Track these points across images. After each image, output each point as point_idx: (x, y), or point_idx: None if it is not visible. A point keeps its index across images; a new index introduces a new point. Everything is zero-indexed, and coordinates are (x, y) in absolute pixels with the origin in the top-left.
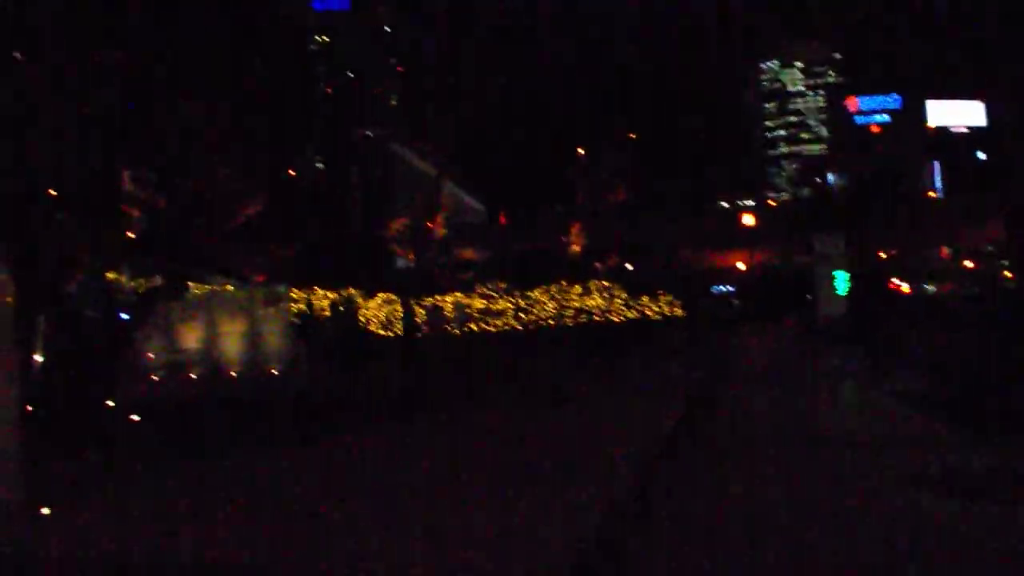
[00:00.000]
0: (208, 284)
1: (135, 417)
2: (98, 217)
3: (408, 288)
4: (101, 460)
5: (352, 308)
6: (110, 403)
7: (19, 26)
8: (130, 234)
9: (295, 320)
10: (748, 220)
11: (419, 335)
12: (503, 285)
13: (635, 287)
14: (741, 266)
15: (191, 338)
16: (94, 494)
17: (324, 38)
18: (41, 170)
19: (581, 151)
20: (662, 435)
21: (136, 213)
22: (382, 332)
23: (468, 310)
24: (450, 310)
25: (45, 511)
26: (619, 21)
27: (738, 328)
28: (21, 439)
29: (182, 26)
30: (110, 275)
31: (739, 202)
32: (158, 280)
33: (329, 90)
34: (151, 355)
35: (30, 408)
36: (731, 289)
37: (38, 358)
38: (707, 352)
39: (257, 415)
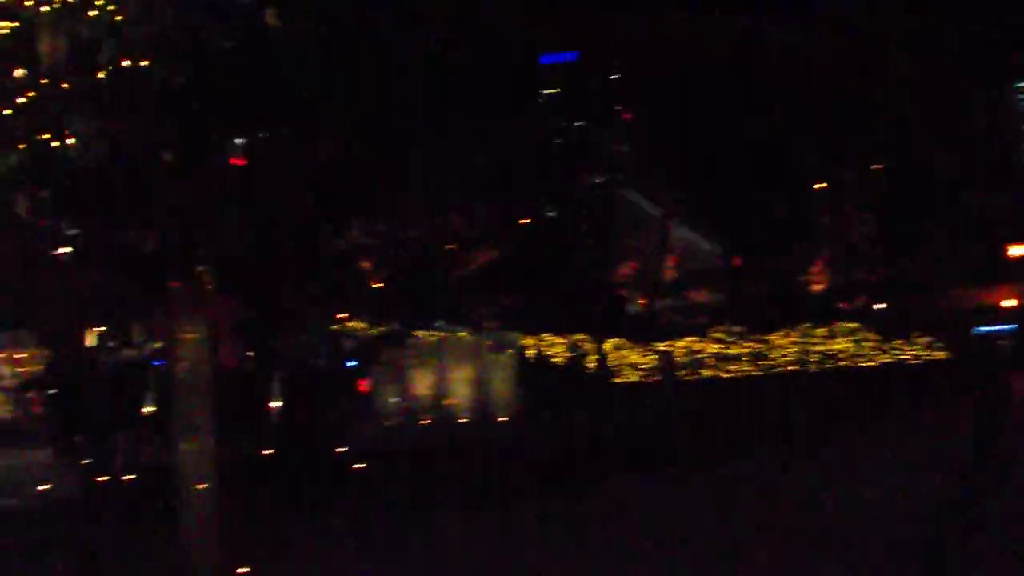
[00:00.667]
0: (440, 331)
1: (359, 465)
2: (324, 270)
3: (639, 333)
4: (327, 509)
5: (581, 353)
6: (339, 450)
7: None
8: (375, 284)
9: (524, 366)
10: (1017, 251)
11: (657, 381)
12: (738, 329)
13: (887, 329)
14: (1011, 303)
15: (422, 385)
16: (303, 548)
17: (554, 90)
18: (270, 228)
19: (823, 185)
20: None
21: (367, 264)
22: (613, 379)
23: (701, 355)
24: (682, 355)
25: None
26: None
27: (1010, 374)
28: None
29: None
30: (354, 324)
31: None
32: (384, 328)
33: (559, 139)
34: (386, 401)
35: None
36: (1001, 328)
37: (274, 405)
38: (978, 402)
39: (487, 464)
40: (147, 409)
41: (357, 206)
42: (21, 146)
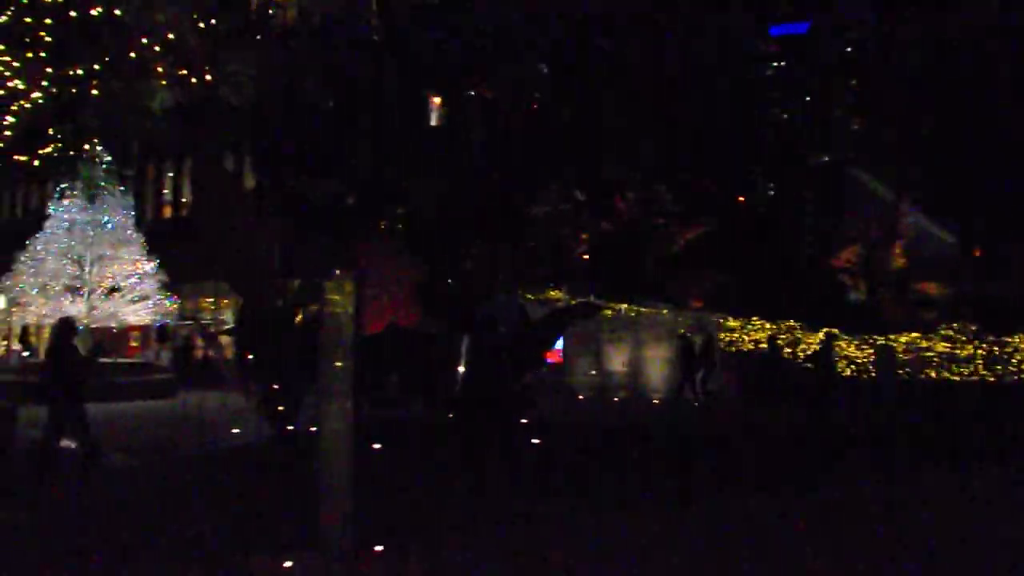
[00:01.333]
0: (642, 307)
1: (535, 440)
2: (514, 238)
3: (857, 324)
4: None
5: (778, 343)
6: (523, 421)
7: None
8: (584, 255)
9: (725, 349)
10: None
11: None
12: (973, 328)
13: None
14: None
15: (617, 360)
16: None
17: (779, 63)
18: (464, 188)
19: None
20: None
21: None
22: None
23: (927, 354)
24: (903, 352)
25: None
26: None
27: None
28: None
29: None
30: (555, 294)
31: None
32: (578, 299)
33: (784, 115)
34: (576, 375)
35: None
36: None
37: (460, 370)
38: None
39: (677, 450)
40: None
41: (553, 170)
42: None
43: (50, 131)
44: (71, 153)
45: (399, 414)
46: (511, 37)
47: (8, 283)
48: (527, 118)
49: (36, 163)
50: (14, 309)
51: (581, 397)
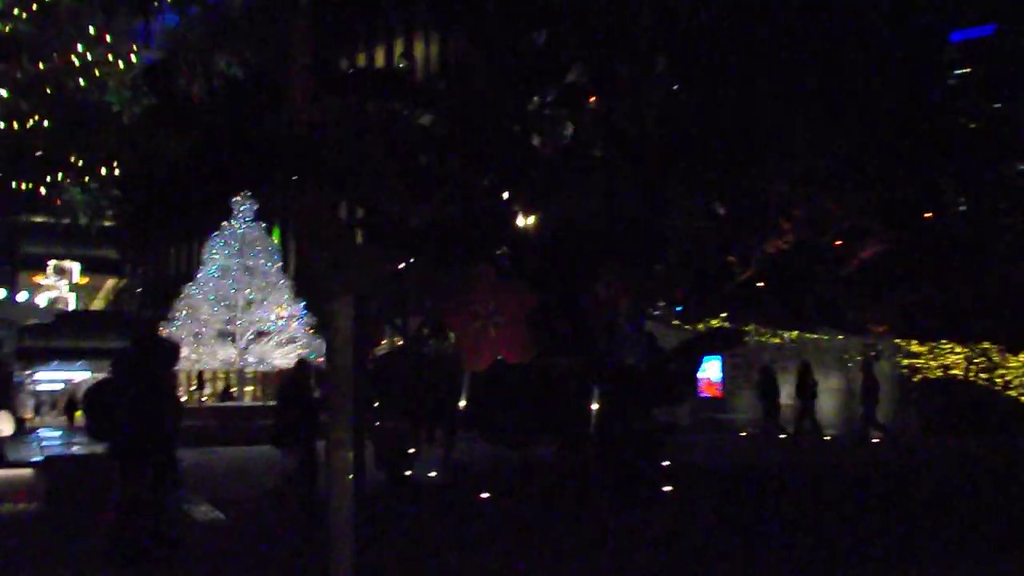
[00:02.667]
0: (812, 334)
1: (667, 488)
2: (643, 254)
3: None
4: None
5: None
6: (664, 463)
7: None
8: (744, 278)
9: (914, 378)
10: None
11: None
12: None
13: None
14: None
15: (783, 393)
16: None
17: (966, 69)
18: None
19: None
20: None
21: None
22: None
23: None
24: None
25: None
26: None
27: None
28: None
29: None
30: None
31: None
32: (718, 323)
33: (971, 124)
34: (726, 409)
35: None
36: None
37: (595, 407)
38: None
39: (863, 496)
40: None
41: (690, 179)
42: None
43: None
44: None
45: (520, 454)
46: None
47: (172, 330)
48: (660, 124)
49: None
50: None
51: (745, 434)
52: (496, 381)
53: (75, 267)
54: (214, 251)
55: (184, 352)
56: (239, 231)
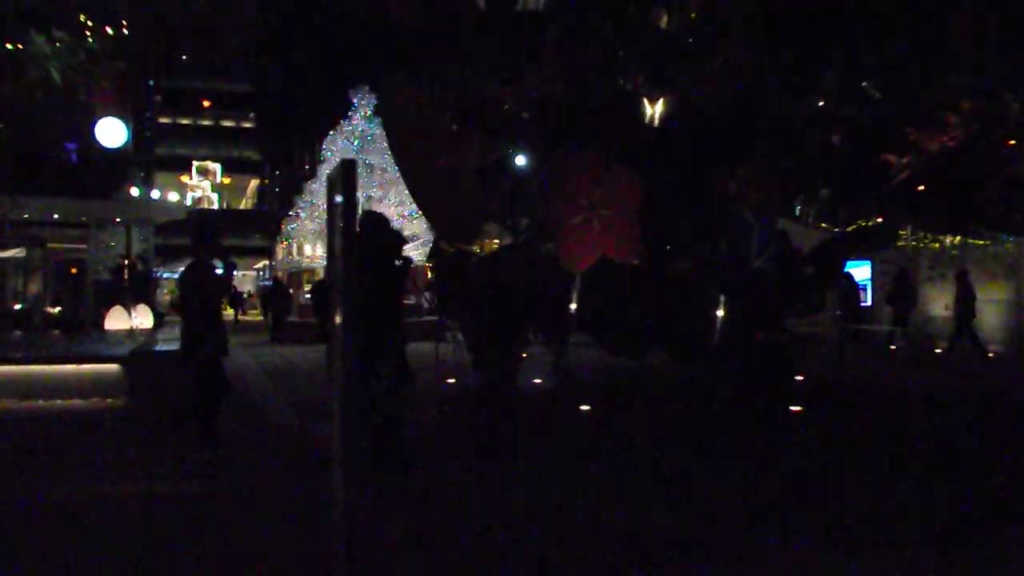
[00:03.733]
0: (976, 240)
1: (795, 408)
2: (787, 149)
3: None
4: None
5: None
6: (795, 378)
7: None
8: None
9: None
10: None
11: None
12: None
13: None
14: None
15: (938, 304)
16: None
17: None
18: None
19: None
20: None
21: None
22: None
23: None
24: None
25: None
26: None
27: None
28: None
29: None
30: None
31: None
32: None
33: None
34: (888, 322)
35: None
36: None
37: (719, 313)
38: None
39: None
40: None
41: (850, 48)
42: None
43: None
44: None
45: (634, 364)
46: None
47: (292, 228)
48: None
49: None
50: (294, 256)
51: (895, 347)
52: (607, 283)
53: (218, 168)
54: (334, 148)
55: (306, 251)
56: (358, 128)
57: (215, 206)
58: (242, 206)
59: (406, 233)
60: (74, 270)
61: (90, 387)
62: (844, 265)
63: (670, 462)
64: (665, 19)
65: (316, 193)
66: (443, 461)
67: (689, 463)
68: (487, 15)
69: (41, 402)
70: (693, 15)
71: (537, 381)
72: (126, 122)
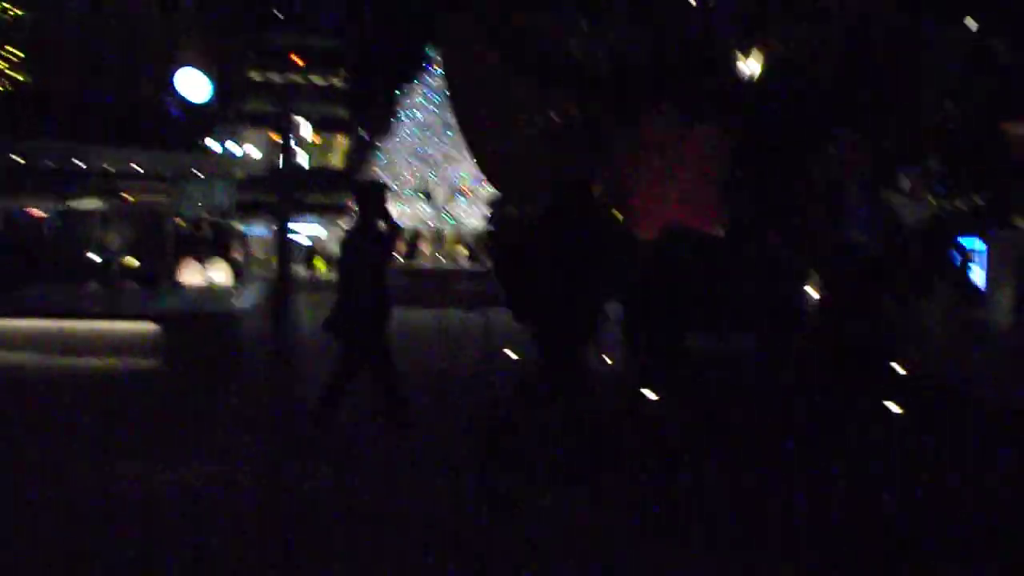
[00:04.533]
0: None
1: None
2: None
3: None
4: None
5: None
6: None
7: None
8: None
9: None
10: None
11: None
12: None
13: None
14: None
15: None
16: None
17: None
18: None
19: None
20: None
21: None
22: None
23: None
24: None
25: None
26: None
27: None
28: None
29: None
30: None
31: None
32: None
33: None
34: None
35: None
36: None
37: (814, 296)
38: None
39: None
40: None
41: None
42: None
43: None
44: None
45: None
46: None
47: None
48: None
49: None
50: None
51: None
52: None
53: (308, 125)
54: (414, 106)
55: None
56: (436, 85)
57: (305, 164)
58: (334, 164)
59: (483, 197)
60: (153, 222)
61: (129, 346)
62: (956, 244)
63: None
64: None
65: (390, 151)
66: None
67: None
68: None
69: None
70: None
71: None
72: (210, 76)
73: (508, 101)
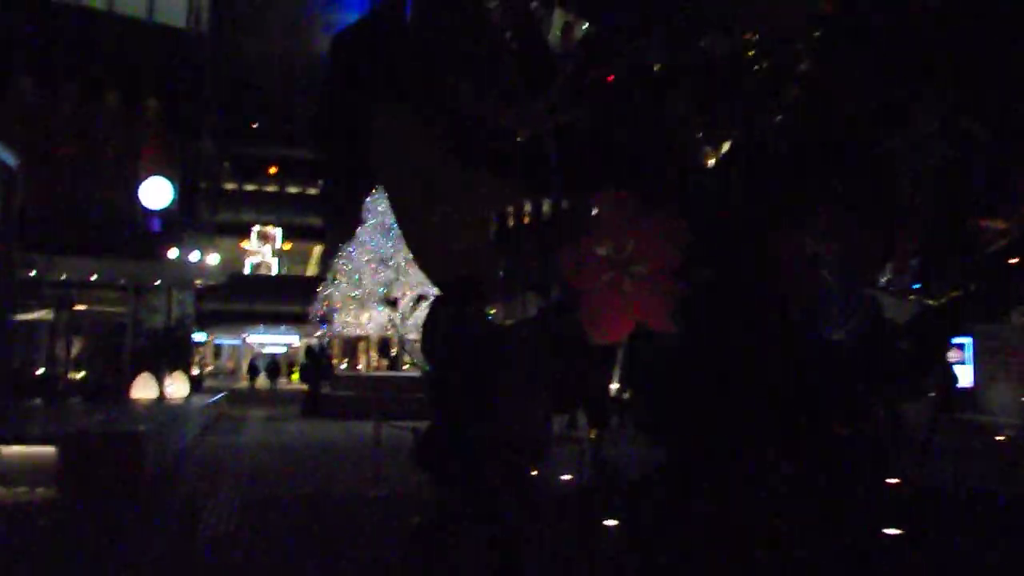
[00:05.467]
0: None
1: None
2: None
3: None
4: None
5: None
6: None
7: None
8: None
9: None
10: None
11: None
12: None
13: None
14: None
15: None
16: None
17: None
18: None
19: None
20: None
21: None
22: None
23: None
24: None
25: None
26: None
27: None
28: None
29: None
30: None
31: None
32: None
33: None
34: (999, 407)
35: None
36: None
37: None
38: None
39: None
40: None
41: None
42: None
43: None
44: None
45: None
46: None
47: (327, 292)
48: None
49: None
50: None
51: (1001, 438)
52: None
53: (278, 233)
54: (377, 206)
55: (346, 318)
56: None
57: (274, 271)
58: (307, 273)
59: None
60: (106, 334)
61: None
62: (950, 341)
63: None
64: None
65: (353, 257)
66: None
67: None
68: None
69: None
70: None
71: (566, 477)
72: (173, 183)
73: (441, 185)
